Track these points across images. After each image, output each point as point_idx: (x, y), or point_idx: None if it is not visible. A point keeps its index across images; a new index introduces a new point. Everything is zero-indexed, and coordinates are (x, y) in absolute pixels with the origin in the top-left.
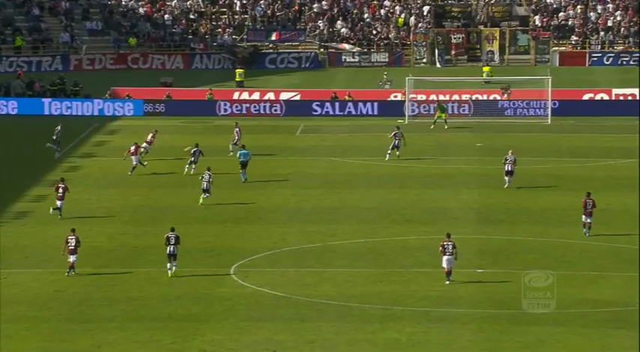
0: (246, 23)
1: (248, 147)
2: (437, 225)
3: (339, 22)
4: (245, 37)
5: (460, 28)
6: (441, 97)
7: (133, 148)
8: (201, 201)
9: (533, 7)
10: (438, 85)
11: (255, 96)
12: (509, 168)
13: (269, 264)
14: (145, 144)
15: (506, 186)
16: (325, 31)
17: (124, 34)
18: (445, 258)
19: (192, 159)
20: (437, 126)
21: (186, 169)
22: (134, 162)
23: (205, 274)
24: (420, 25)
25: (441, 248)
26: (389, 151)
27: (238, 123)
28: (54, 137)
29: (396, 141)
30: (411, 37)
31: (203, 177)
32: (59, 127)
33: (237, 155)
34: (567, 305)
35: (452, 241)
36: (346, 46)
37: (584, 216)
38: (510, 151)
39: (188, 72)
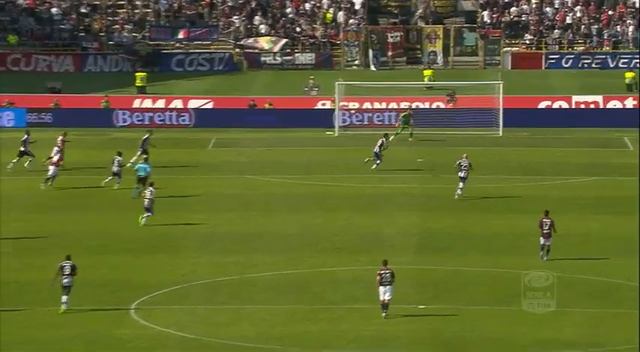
0: (148, 19)
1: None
2: (371, 254)
3: (257, 17)
4: (147, 34)
5: (398, 25)
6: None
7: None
8: (142, 222)
9: (481, 1)
10: (373, 90)
11: (160, 104)
12: (463, 175)
13: (176, 301)
14: (55, 149)
15: (457, 195)
16: (242, 29)
17: (2, 30)
18: (382, 288)
19: (116, 170)
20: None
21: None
22: (51, 173)
23: (102, 310)
24: (351, 21)
25: (378, 277)
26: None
27: (152, 131)
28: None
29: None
30: (341, 35)
31: (144, 193)
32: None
33: (135, 168)
34: (522, 346)
35: (390, 269)
36: (265, 44)
37: (541, 238)
38: (465, 155)
39: (80, 75)
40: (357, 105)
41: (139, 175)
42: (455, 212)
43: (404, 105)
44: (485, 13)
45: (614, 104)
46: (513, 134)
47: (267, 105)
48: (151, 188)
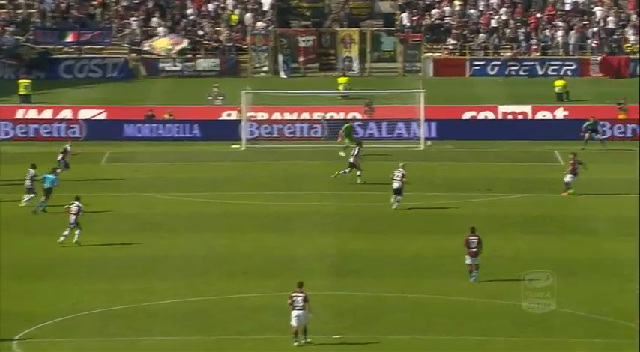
0: (33, 20)
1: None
2: (282, 278)
3: (154, 19)
4: (31, 37)
5: (310, 28)
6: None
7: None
8: (75, 238)
9: (400, 2)
10: (283, 100)
11: (47, 114)
12: (397, 186)
13: (65, 332)
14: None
15: (394, 207)
16: (138, 32)
17: None
18: (295, 313)
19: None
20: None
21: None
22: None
23: None
24: (259, 24)
25: (289, 300)
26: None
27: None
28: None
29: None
30: (247, 39)
31: (70, 208)
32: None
33: (42, 178)
34: None
35: (303, 292)
36: (161, 47)
37: (468, 257)
38: (401, 164)
39: None
40: (265, 115)
41: (43, 186)
42: (373, 232)
43: (317, 116)
44: (405, 15)
45: (543, 115)
46: (436, 147)
47: (166, 116)
48: (77, 202)
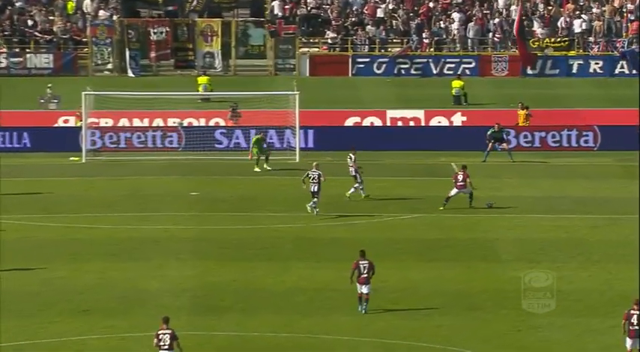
0: None
1: None
2: (130, 317)
3: None
4: None
5: (163, 18)
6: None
7: None
8: None
9: None
10: (132, 103)
11: None
12: (315, 189)
13: None
14: None
15: (315, 213)
16: None
17: None
18: None
19: None
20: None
21: None
22: None
23: None
24: (101, 13)
25: (155, 340)
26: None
27: None
28: None
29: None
30: (88, 31)
31: None
32: None
33: None
34: None
35: (170, 330)
36: None
37: (358, 286)
38: (315, 163)
39: None
40: (110, 122)
41: None
42: (240, 260)
43: (172, 122)
44: (276, 3)
45: (438, 121)
46: (314, 159)
47: None
48: None
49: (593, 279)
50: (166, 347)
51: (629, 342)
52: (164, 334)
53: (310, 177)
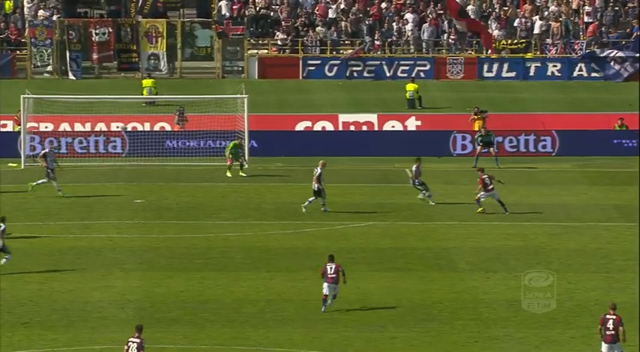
0: None
1: None
2: (72, 330)
3: None
4: None
5: (106, 18)
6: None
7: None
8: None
9: None
10: (73, 107)
11: None
12: (317, 187)
13: None
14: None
15: (323, 209)
16: None
17: None
18: None
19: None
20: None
21: None
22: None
23: None
24: (41, 12)
25: (125, 347)
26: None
27: None
28: None
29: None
30: (26, 31)
31: None
32: None
33: None
34: None
35: (140, 339)
36: None
37: (325, 286)
38: (321, 161)
39: None
40: (51, 126)
41: None
42: (188, 271)
43: (116, 126)
44: (223, 3)
45: (392, 125)
46: (263, 165)
47: None
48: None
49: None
50: None
51: (604, 347)
52: (133, 342)
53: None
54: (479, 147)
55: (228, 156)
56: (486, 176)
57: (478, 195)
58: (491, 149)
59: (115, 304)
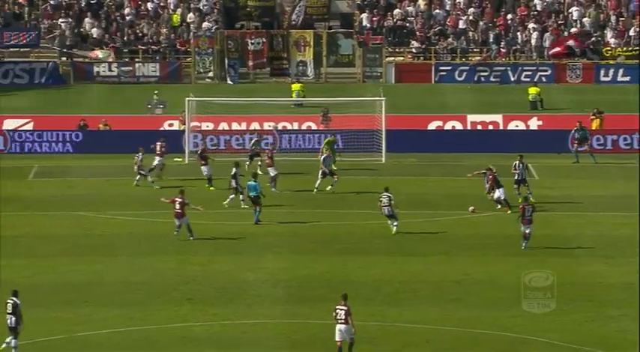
0: None
1: None
2: (230, 306)
3: (87, 19)
4: None
5: (260, 29)
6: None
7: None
8: None
9: (359, 1)
10: (231, 108)
11: None
12: (388, 212)
13: None
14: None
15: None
16: (68, 33)
17: None
18: (337, 327)
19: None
20: None
21: None
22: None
23: None
24: (204, 24)
25: (333, 313)
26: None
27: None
28: None
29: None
30: (191, 41)
31: None
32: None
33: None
34: None
35: (347, 306)
36: (100, 53)
37: (522, 225)
38: (385, 188)
39: None
40: (211, 125)
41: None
42: (331, 254)
43: (268, 126)
44: (364, 15)
45: (515, 125)
46: (399, 160)
47: (101, 126)
48: None
49: None
50: (342, 320)
51: None
52: (340, 309)
53: (381, 202)
54: (575, 144)
55: (321, 150)
56: (496, 173)
57: (491, 195)
58: (586, 146)
59: (268, 283)
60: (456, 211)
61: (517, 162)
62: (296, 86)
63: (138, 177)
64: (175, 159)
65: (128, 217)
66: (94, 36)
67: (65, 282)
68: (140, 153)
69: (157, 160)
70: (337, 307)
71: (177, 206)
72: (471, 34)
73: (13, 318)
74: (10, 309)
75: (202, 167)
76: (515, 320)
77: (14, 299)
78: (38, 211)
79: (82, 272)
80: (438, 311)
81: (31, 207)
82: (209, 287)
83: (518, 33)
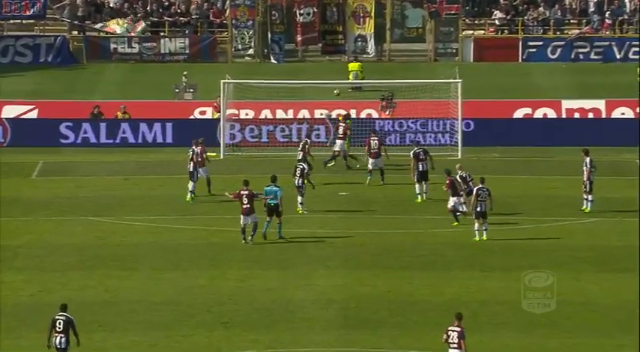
0: None
1: None
2: (273, 331)
3: None
4: None
5: None
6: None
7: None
8: None
9: None
10: (274, 92)
11: None
12: (481, 209)
13: None
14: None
15: (483, 237)
16: (80, 2)
17: None
18: None
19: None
20: None
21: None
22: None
23: None
24: None
25: (444, 336)
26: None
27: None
28: None
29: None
30: (227, 12)
31: None
32: None
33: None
34: None
35: (460, 327)
36: (117, 28)
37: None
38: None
39: None
40: (251, 113)
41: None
42: (395, 269)
43: (320, 113)
44: None
45: (621, 112)
46: (478, 155)
47: (119, 114)
48: None
49: None
50: (455, 345)
51: None
52: (453, 331)
53: (480, 197)
54: None
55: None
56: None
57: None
58: None
59: (318, 303)
60: (545, 217)
61: (588, 158)
62: (354, 66)
63: (191, 184)
64: (209, 154)
65: (150, 223)
66: (111, 5)
67: (75, 301)
68: (198, 147)
69: (201, 172)
70: (449, 328)
71: (245, 200)
72: (567, 1)
73: (64, 338)
74: (60, 327)
75: (200, 168)
76: (620, 349)
77: (65, 314)
78: (43, 216)
79: (95, 289)
80: (524, 338)
81: (35, 210)
82: (248, 307)
83: (626, 0)
